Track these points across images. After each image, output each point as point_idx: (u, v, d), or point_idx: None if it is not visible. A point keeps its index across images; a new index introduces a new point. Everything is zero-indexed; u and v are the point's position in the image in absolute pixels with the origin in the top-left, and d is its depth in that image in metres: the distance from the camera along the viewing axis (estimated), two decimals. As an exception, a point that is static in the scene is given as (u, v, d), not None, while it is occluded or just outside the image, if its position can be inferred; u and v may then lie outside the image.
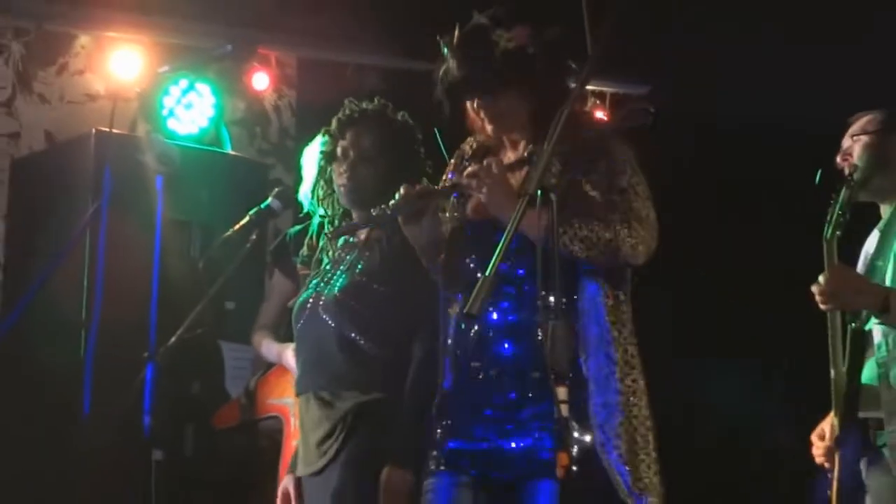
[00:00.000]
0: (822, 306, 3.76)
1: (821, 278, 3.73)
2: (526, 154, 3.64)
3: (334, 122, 4.41)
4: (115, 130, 5.53)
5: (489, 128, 3.65)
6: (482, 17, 3.61)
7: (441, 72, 3.66)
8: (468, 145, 3.83)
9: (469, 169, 3.61)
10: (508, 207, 3.26)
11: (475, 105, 3.64)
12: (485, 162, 3.59)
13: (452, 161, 3.88)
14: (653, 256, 3.50)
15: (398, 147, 4.30)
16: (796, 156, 4.94)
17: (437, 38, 3.71)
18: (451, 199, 3.75)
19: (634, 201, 3.41)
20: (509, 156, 3.71)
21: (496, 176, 3.47)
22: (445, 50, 3.63)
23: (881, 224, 4.18)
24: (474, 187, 3.49)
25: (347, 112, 4.39)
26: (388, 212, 3.64)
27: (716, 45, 6.17)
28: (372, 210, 3.84)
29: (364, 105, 4.42)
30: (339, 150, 4.34)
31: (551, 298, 3.04)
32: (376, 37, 6.98)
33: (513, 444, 3.42)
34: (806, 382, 4.34)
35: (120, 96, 6.28)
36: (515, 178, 3.58)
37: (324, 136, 4.48)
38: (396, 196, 3.63)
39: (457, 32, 3.62)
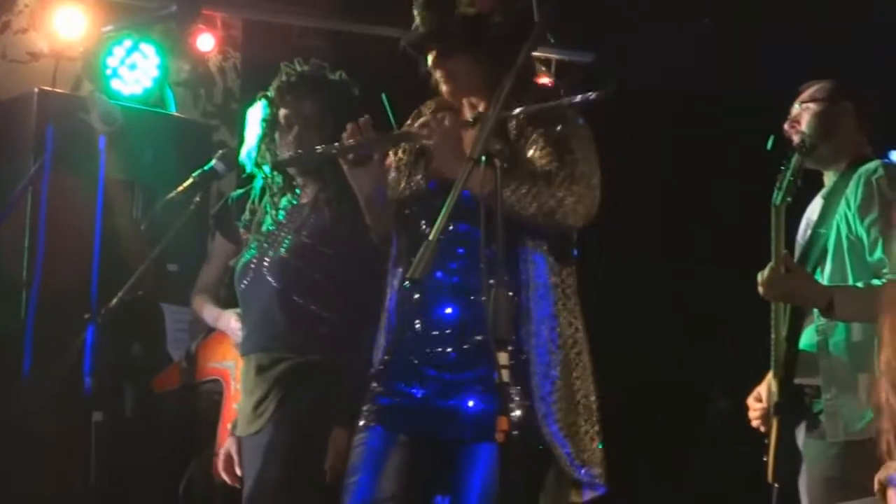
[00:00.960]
0: (765, 296, 3.78)
1: (768, 268, 3.73)
2: (471, 118, 3.58)
3: (273, 88, 4.37)
4: (57, 90, 5.67)
5: (445, 88, 3.59)
6: None
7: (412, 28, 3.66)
8: (426, 107, 3.75)
9: (422, 119, 3.63)
10: (454, 162, 3.30)
11: (432, 63, 3.57)
12: (439, 114, 3.61)
13: (409, 122, 3.79)
14: (592, 220, 3.42)
15: (341, 109, 4.14)
16: (735, 121, 4.95)
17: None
18: (411, 158, 3.70)
19: (579, 166, 3.35)
20: (467, 117, 3.66)
21: (447, 129, 3.47)
22: (414, 8, 3.59)
23: (824, 191, 4.20)
24: (424, 135, 3.51)
25: (285, 77, 4.36)
26: (334, 151, 3.61)
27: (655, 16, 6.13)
28: (317, 147, 3.84)
29: (301, 68, 4.38)
30: (281, 118, 4.30)
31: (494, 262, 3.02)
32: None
33: (451, 405, 3.37)
34: (752, 345, 4.31)
35: (63, 55, 6.39)
36: (470, 137, 3.46)
37: (262, 101, 4.43)
38: (343, 137, 3.60)
39: None
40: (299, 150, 4.15)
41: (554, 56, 6.70)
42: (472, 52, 3.48)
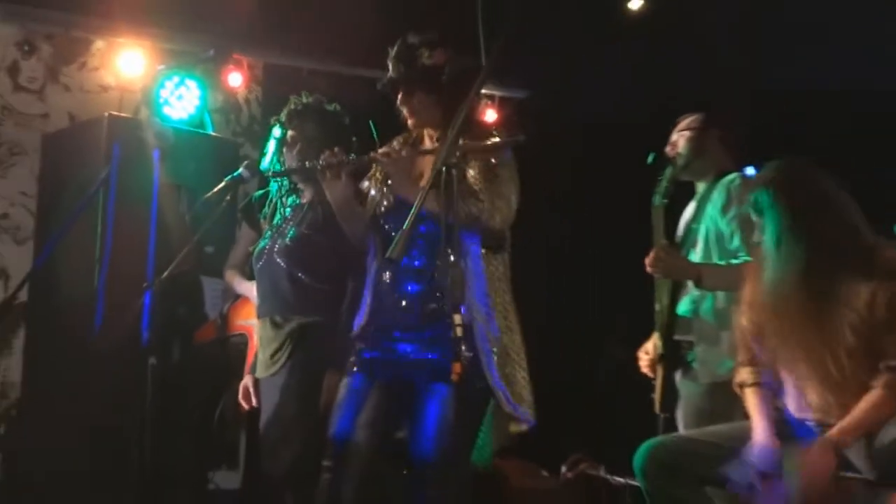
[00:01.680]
0: (652, 273, 4.18)
1: (653, 252, 4.13)
2: (430, 147, 3.88)
3: (284, 114, 4.60)
4: (122, 115, 5.97)
5: (410, 121, 3.88)
6: (414, 38, 3.83)
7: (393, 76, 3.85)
8: (397, 140, 3.99)
9: (384, 148, 3.88)
10: (405, 183, 3.71)
11: (399, 101, 3.85)
12: (395, 144, 3.91)
13: (383, 148, 3.98)
14: (511, 223, 3.76)
15: (335, 132, 4.44)
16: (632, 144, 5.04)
17: (386, 48, 3.87)
18: (384, 177, 3.89)
19: (501, 187, 3.65)
20: (427, 145, 3.91)
21: (403, 158, 3.77)
22: (388, 59, 3.84)
23: (697, 197, 4.60)
24: (384, 161, 3.78)
25: (293, 106, 4.59)
26: (318, 167, 3.85)
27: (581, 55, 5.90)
28: (306, 162, 4.18)
29: (306, 100, 4.59)
30: (289, 137, 4.55)
31: (451, 253, 3.27)
32: (324, 48, 7.04)
33: (414, 356, 3.69)
34: (641, 311, 4.62)
35: (127, 88, 6.67)
36: (425, 162, 3.82)
37: (275, 123, 4.67)
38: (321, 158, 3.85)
39: (396, 46, 3.83)
40: (299, 164, 4.40)
41: (497, 93, 6.56)
42: (428, 93, 3.76)
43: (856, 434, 3.59)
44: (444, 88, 3.70)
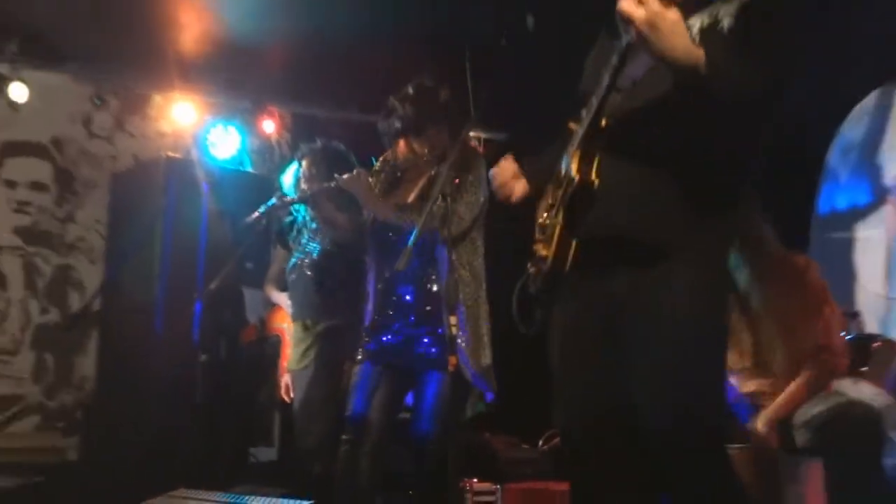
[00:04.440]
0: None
1: None
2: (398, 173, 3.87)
3: (299, 154, 4.58)
4: (176, 155, 5.99)
5: (422, 150, 3.75)
6: (429, 81, 3.76)
7: (394, 116, 3.74)
8: (381, 167, 3.96)
9: (346, 176, 3.78)
10: (373, 205, 3.70)
11: (412, 136, 3.73)
12: (356, 171, 3.83)
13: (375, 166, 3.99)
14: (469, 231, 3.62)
15: (342, 168, 4.22)
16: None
17: (391, 97, 3.77)
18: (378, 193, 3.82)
19: (460, 205, 3.55)
20: (421, 171, 3.82)
21: (363, 181, 3.73)
22: (398, 102, 3.72)
23: None
24: (353, 188, 3.73)
25: (304, 151, 4.57)
26: (320, 190, 3.99)
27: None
28: (309, 191, 4.20)
29: (321, 143, 4.56)
30: (305, 171, 4.48)
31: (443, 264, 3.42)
32: (337, 100, 7.02)
33: (412, 349, 3.65)
34: None
35: (180, 134, 6.67)
36: (411, 178, 3.79)
37: (297, 161, 4.59)
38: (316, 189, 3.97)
39: (411, 90, 3.72)
40: (301, 192, 4.35)
41: (482, 135, 6.61)
42: (441, 125, 3.69)
43: (786, 409, 3.65)
44: (451, 122, 3.67)
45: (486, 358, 3.65)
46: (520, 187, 2.71)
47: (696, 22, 2.23)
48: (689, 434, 2.26)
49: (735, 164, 2.33)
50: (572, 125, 2.45)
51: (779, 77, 2.19)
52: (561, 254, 2.32)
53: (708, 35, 2.18)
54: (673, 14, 2.06)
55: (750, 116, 2.25)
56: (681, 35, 2.09)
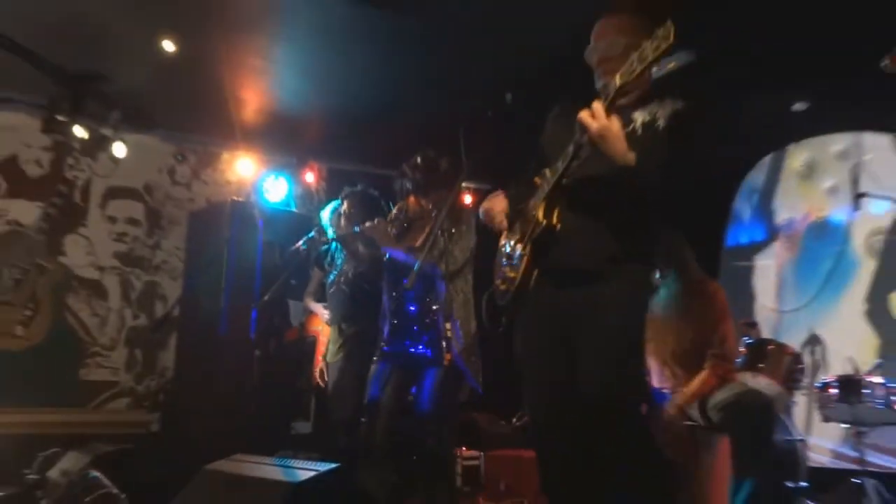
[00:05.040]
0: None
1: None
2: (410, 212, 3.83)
3: (341, 197, 4.52)
4: (239, 199, 5.89)
5: (427, 205, 3.74)
6: (430, 152, 3.77)
7: (405, 179, 3.79)
8: (396, 215, 3.92)
9: (368, 224, 3.84)
10: (386, 243, 3.71)
11: (419, 193, 3.77)
12: (393, 213, 3.87)
13: (393, 212, 3.96)
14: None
15: (372, 208, 4.32)
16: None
17: (403, 164, 3.82)
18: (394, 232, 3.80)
19: (455, 248, 3.56)
20: (413, 207, 3.79)
21: (381, 231, 3.76)
22: (408, 169, 3.77)
23: None
24: (371, 231, 3.78)
25: (346, 192, 4.51)
26: (350, 234, 4.02)
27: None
28: (340, 233, 4.19)
29: (354, 189, 4.52)
30: (345, 209, 4.42)
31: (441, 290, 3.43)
32: (363, 158, 7.03)
33: (417, 351, 3.65)
34: None
35: (242, 182, 6.63)
36: (420, 223, 3.76)
37: (335, 203, 4.54)
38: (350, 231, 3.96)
39: (419, 159, 3.74)
40: (338, 234, 4.30)
41: (472, 185, 6.46)
42: (441, 189, 3.70)
43: (693, 398, 3.65)
44: (448, 185, 3.61)
45: (475, 357, 3.64)
46: (505, 221, 2.74)
47: (639, 117, 2.41)
48: (618, 406, 2.38)
49: (653, 217, 2.49)
50: (537, 180, 2.57)
51: (692, 170, 2.39)
52: (526, 278, 2.51)
53: (646, 129, 2.37)
54: (615, 126, 2.25)
55: (663, 190, 2.41)
56: (621, 141, 2.27)
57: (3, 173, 5.95)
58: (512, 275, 2.55)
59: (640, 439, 2.41)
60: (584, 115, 2.26)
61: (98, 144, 5.55)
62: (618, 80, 2.22)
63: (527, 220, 2.55)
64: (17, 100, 5.77)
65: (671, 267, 3.84)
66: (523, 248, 2.52)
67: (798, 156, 6.84)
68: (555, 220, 2.45)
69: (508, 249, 2.63)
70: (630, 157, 2.29)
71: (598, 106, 2.25)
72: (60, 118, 4.68)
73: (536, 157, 2.71)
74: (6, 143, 5.95)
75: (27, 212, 5.88)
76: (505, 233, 2.72)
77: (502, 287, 2.61)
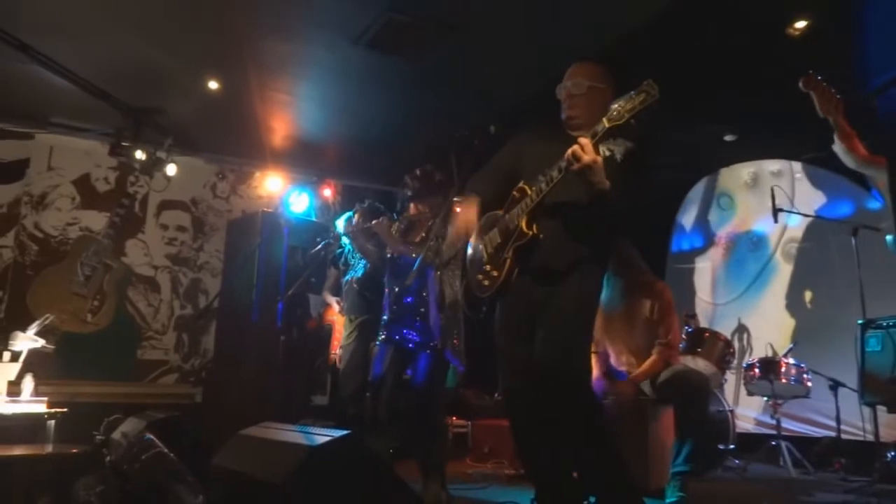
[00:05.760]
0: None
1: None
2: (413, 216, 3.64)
3: (355, 209, 4.24)
4: (269, 210, 5.80)
5: (425, 210, 3.60)
6: (429, 167, 3.61)
7: (407, 188, 3.62)
8: (399, 220, 3.77)
9: (375, 222, 3.68)
10: (392, 243, 3.54)
11: (416, 201, 3.60)
12: (383, 219, 3.68)
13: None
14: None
15: (376, 215, 3.94)
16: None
17: (406, 175, 3.63)
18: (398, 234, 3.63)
19: (445, 246, 3.26)
20: (413, 212, 3.63)
21: (384, 227, 3.62)
22: (409, 179, 3.62)
23: None
24: (380, 230, 3.63)
25: (357, 207, 4.24)
26: (356, 228, 3.85)
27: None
28: (350, 229, 3.97)
29: (364, 203, 4.29)
30: (356, 219, 4.14)
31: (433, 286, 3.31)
32: (371, 176, 6.89)
33: (410, 336, 3.46)
34: None
35: (272, 196, 6.58)
36: (419, 227, 3.60)
37: (352, 212, 4.26)
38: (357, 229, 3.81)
39: (418, 172, 3.60)
40: (349, 229, 4.02)
41: (461, 200, 6.38)
42: (436, 196, 3.54)
43: (644, 377, 3.65)
44: (442, 193, 3.51)
45: (460, 343, 3.56)
46: (474, 230, 2.71)
47: (603, 150, 2.42)
48: (570, 380, 2.39)
49: (610, 229, 2.55)
50: (515, 193, 2.57)
51: (642, 193, 2.49)
52: (508, 276, 2.53)
53: (607, 162, 2.40)
54: (599, 161, 2.30)
55: (621, 211, 2.46)
56: (601, 173, 2.32)
57: (77, 188, 6.03)
58: (495, 273, 2.56)
59: (586, 408, 2.40)
60: (576, 149, 2.28)
61: (154, 165, 5.46)
62: (606, 124, 2.24)
63: (507, 228, 2.56)
64: (91, 129, 5.88)
65: (625, 270, 3.80)
66: (506, 252, 2.53)
67: (729, 177, 6.88)
68: (536, 230, 2.48)
69: (490, 250, 2.61)
70: (606, 183, 2.33)
71: (587, 142, 2.29)
72: (125, 144, 4.73)
73: (500, 169, 2.72)
74: (81, 165, 6.05)
75: (96, 220, 5.95)
76: (477, 233, 2.69)
77: (484, 282, 2.60)
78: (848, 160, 2.63)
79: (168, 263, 6.38)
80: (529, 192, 2.51)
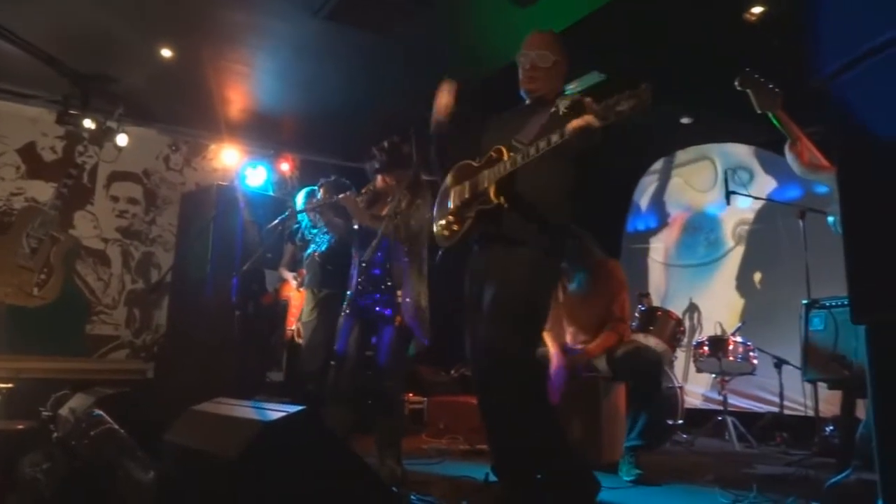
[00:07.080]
0: None
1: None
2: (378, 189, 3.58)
3: (319, 184, 4.24)
4: (224, 183, 5.59)
5: (391, 182, 3.51)
6: (395, 138, 3.50)
7: (374, 160, 3.53)
8: (364, 189, 3.67)
9: (342, 195, 3.61)
10: (359, 216, 3.47)
11: (382, 172, 3.52)
12: (362, 190, 3.62)
13: (363, 190, 3.68)
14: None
15: (340, 190, 3.92)
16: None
17: (373, 147, 3.51)
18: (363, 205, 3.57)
19: (412, 219, 3.34)
20: (380, 185, 3.56)
21: (352, 201, 3.53)
22: (377, 151, 3.51)
23: None
24: (347, 204, 3.56)
25: (322, 182, 4.24)
26: (322, 203, 3.82)
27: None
28: (317, 203, 3.93)
29: (327, 179, 4.26)
30: (322, 194, 4.15)
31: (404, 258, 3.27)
32: (330, 150, 6.80)
33: (376, 309, 3.42)
34: None
35: (227, 169, 6.45)
36: (383, 201, 3.56)
37: (316, 188, 4.26)
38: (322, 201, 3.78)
39: (386, 143, 3.51)
40: (315, 202, 4.01)
41: (426, 178, 6.40)
42: (402, 168, 3.44)
43: (597, 353, 3.70)
44: (408, 163, 3.46)
45: (425, 315, 3.51)
46: (448, 111, 2.71)
47: (561, 105, 2.48)
48: (501, 349, 2.40)
49: (564, 203, 2.56)
50: (493, 154, 2.56)
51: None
52: (466, 235, 2.59)
53: (555, 116, 2.47)
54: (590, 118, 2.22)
55: (579, 178, 2.52)
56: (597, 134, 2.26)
57: (22, 157, 5.86)
58: (455, 227, 2.59)
59: (520, 379, 2.41)
60: (591, 121, 2.22)
61: (104, 135, 5.48)
62: (596, 123, 2.21)
63: (476, 186, 2.57)
64: (37, 96, 5.73)
65: (589, 261, 3.82)
66: (469, 211, 2.56)
67: (685, 158, 6.99)
68: (502, 200, 2.49)
69: (458, 202, 2.62)
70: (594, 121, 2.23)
71: (592, 119, 2.22)
72: (73, 112, 4.60)
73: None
74: (26, 132, 5.88)
75: (43, 191, 5.81)
76: (451, 178, 2.70)
77: (444, 232, 2.64)
78: (795, 167, 2.66)
79: (119, 236, 6.28)
80: (506, 156, 2.49)
